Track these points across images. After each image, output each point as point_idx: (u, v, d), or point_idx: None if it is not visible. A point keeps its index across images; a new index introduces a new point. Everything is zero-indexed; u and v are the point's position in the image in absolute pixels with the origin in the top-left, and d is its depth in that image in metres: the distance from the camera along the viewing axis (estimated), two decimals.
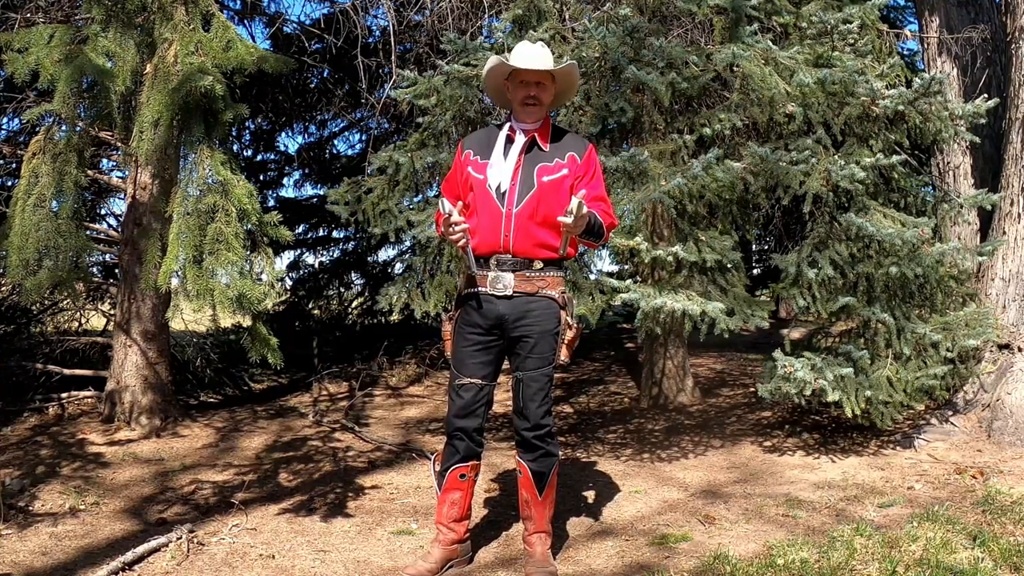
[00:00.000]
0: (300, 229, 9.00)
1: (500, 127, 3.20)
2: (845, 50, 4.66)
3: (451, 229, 2.98)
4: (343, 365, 7.58)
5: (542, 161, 3.09)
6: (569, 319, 3.13)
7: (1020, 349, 4.88)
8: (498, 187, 3.06)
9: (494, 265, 3.06)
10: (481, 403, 3.11)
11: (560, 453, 3.32)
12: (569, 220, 2.85)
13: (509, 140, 3.12)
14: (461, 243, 3.03)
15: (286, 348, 3.67)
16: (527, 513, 3.16)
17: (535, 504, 3.12)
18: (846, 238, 4.46)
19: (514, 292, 3.05)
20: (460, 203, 3.11)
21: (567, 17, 5.05)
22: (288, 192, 10.53)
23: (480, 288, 3.08)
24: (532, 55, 3.08)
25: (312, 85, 8.42)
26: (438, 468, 3.23)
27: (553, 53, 4.62)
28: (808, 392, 4.32)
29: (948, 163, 5.61)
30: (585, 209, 2.89)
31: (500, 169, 3.08)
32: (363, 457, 4.94)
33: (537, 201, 3.04)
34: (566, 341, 3.13)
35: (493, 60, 3.15)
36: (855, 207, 4.45)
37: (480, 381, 3.10)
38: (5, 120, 6.62)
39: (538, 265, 3.07)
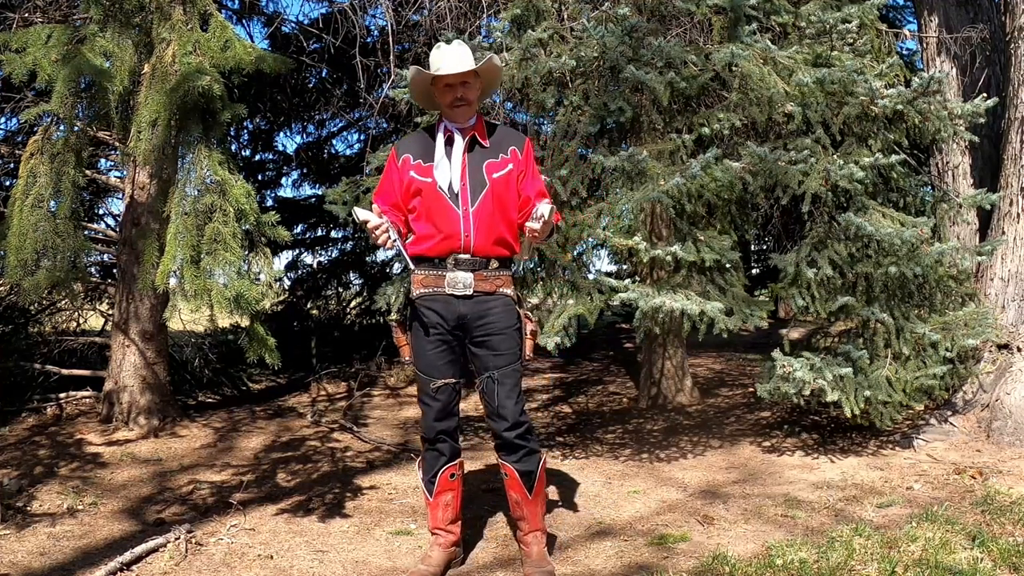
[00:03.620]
0: (298, 229, 8.99)
1: (433, 129, 3.17)
2: (844, 49, 4.65)
3: (375, 235, 2.92)
4: (341, 365, 7.57)
5: (488, 158, 3.09)
6: (528, 313, 3.15)
7: (1019, 349, 4.87)
8: (449, 187, 3.04)
9: (452, 265, 3.04)
10: (456, 402, 3.14)
11: (543, 449, 3.31)
12: (538, 226, 2.87)
13: (448, 141, 3.10)
14: (389, 244, 2.95)
15: (284, 348, 3.66)
16: (519, 514, 3.14)
17: (526, 504, 3.11)
18: (845, 238, 4.45)
19: (474, 292, 3.04)
20: (375, 207, 3.04)
21: (566, 16, 5.04)
22: (286, 192, 10.52)
23: (436, 288, 3.06)
24: (451, 58, 3.05)
25: (310, 85, 8.41)
26: (423, 476, 3.22)
27: (552, 53, 4.64)
28: (807, 392, 4.32)
29: (947, 163, 5.60)
30: (550, 216, 2.92)
31: (447, 170, 3.06)
32: (361, 457, 4.93)
33: (492, 198, 3.04)
34: (528, 335, 3.14)
35: (412, 71, 3.13)
36: (854, 207, 4.44)
37: (453, 379, 3.11)
38: (3, 120, 6.62)
39: (494, 264, 3.08)
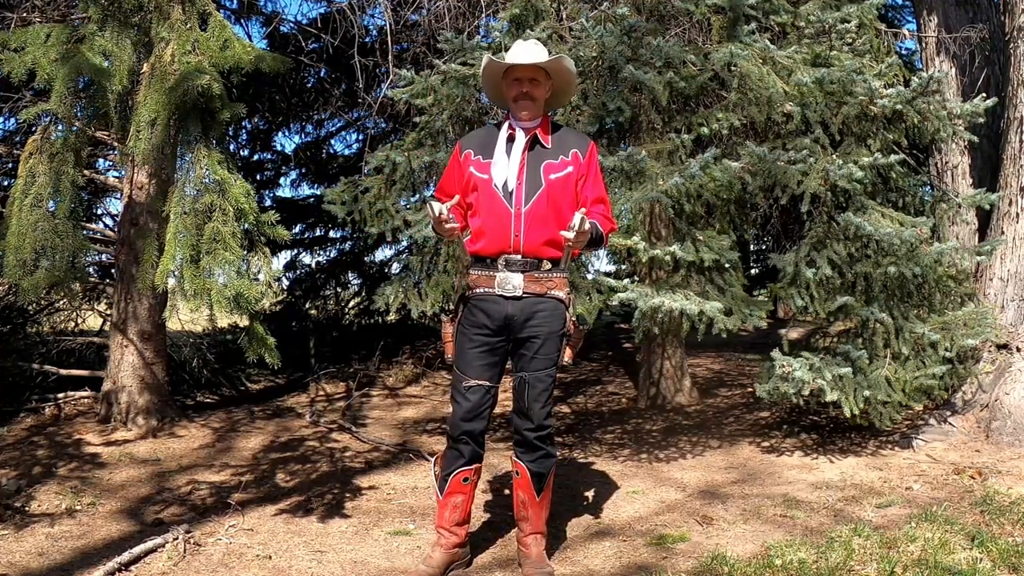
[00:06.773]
0: (297, 229, 8.99)
1: (499, 126, 3.17)
2: (843, 49, 4.65)
3: (444, 227, 2.96)
4: (340, 365, 7.57)
5: (547, 159, 3.07)
6: (574, 319, 3.12)
7: (1018, 349, 4.88)
8: (504, 186, 3.03)
9: (502, 265, 3.03)
10: (487, 405, 3.09)
11: (558, 454, 3.31)
12: (571, 235, 2.84)
13: (510, 139, 3.09)
14: (456, 235, 3.03)
15: (283, 348, 3.66)
16: (523, 514, 3.14)
17: (532, 505, 3.11)
18: (844, 238, 4.45)
19: (523, 293, 3.03)
20: (456, 196, 3.06)
21: (564, 16, 5.04)
22: (285, 192, 10.52)
23: (487, 288, 3.06)
24: (524, 52, 3.07)
25: (309, 85, 8.41)
26: (439, 472, 3.20)
27: (550, 52, 4.63)
28: (806, 392, 4.32)
29: (946, 162, 5.61)
30: (587, 225, 2.89)
31: (504, 167, 3.05)
32: (360, 457, 4.93)
33: (546, 199, 3.02)
34: (571, 342, 3.12)
35: (485, 59, 3.14)
36: (853, 207, 4.44)
37: (487, 383, 3.07)
38: (1, 120, 6.61)
39: (546, 266, 3.06)
